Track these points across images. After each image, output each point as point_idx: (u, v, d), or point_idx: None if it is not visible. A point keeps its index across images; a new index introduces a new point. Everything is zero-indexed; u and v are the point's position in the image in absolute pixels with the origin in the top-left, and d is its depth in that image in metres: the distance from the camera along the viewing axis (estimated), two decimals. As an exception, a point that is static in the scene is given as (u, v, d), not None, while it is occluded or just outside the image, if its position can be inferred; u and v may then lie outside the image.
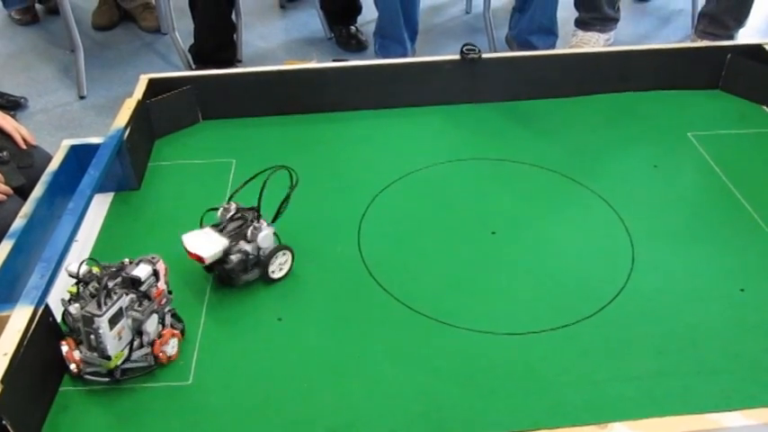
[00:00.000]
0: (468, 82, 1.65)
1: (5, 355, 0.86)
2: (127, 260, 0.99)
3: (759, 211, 1.30)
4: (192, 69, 2.33)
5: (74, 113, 2.15)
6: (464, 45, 1.62)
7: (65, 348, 0.96)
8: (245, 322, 1.09)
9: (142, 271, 0.97)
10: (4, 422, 0.83)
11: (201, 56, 2.40)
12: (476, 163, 1.48)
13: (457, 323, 1.08)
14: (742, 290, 1.13)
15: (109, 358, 0.93)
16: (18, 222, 1.14)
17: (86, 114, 2.15)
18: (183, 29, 2.44)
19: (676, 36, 2.61)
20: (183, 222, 1.27)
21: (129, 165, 1.36)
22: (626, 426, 0.82)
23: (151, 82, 1.55)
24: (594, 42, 2.43)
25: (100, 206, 1.34)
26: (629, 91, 1.70)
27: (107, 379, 0.97)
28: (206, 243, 1.10)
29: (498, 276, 1.17)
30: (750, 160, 1.46)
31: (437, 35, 2.31)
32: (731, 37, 2.36)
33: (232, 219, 1.14)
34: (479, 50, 1.61)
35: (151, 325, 0.98)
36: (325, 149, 1.53)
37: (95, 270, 0.97)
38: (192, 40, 2.41)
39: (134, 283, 0.96)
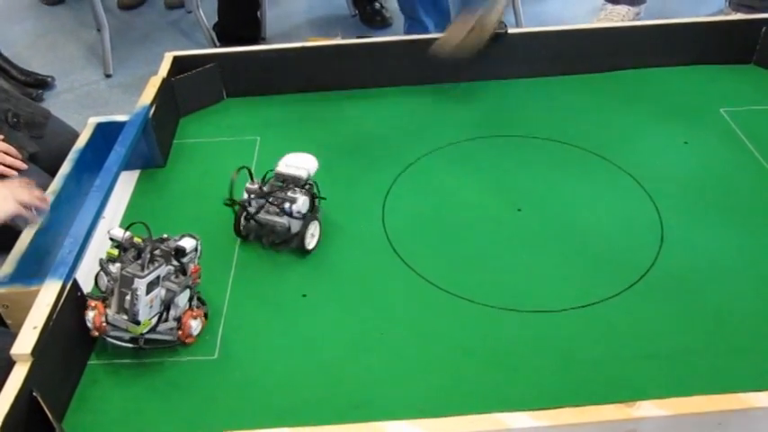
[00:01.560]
0: (493, 57, 1.62)
1: (35, 328, 0.88)
2: (166, 235, 1.00)
3: (792, 189, 1.27)
4: (216, 47, 2.33)
5: (100, 92, 2.17)
6: (490, 20, 1.59)
7: (91, 313, 0.96)
8: (270, 298, 1.10)
9: (188, 242, 0.98)
10: (34, 394, 0.84)
11: (226, 33, 2.40)
12: (501, 140, 1.46)
13: (481, 300, 1.07)
14: (774, 268, 1.11)
15: (138, 323, 0.94)
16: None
17: (112, 93, 2.16)
18: (207, 7, 2.44)
19: (710, 10, 2.54)
20: (209, 200, 1.28)
21: (154, 142, 1.36)
22: (653, 404, 0.81)
23: (176, 60, 1.55)
24: (624, 16, 2.37)
25: (126, 183, 1.35)
26: (660, 66, 1.66)
27: (129, 345, 0.97)
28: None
29: (524, 253, 1.16)
30: (783, 136, 1.42)
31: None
32: (767, 9, 2.29)
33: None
34: (506, 26, 1.59)
35: (182, 299, 0.99)
36: (350, 127, 1.52)
37: (137, 239, 0.98)
38: (216, 18, 2.41)
39: (177, 254, 0.97)
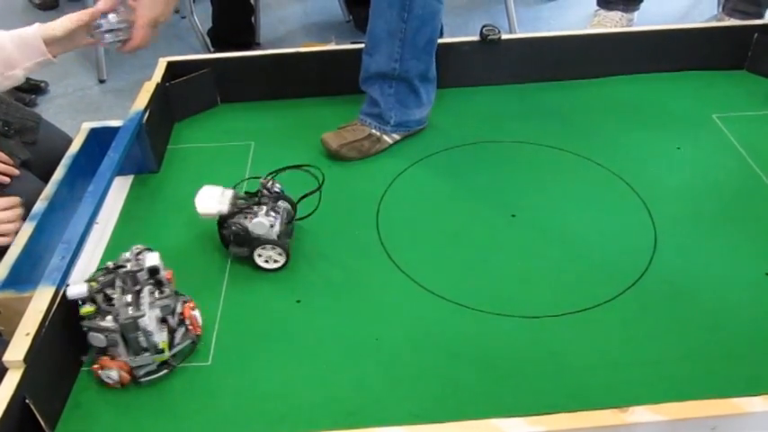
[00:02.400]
0: (487, 64, 1.63)
1: (28, 335, 0.87)
2: (111, 263, 0.99)
3: (785, 194, 1.28)
4: (210, 52, 2.33)
5: (93, 97, 2.16)
6: (484, 26, 1.60)
7: (113, 372, 0.94)
8: (264, 304, 1.09)
9: (154, 259, 0.98)
10: (27, 400, 0.84)
11: (220, 39, 2.40)
12: (495, 146, 1.46)
13: (476, 306, 1.07)
14: (767, 274, 1.11)
15: (162, 351, 0.94)
16: (40, 205, 1.15)
17: (106, 98, 2.15)
18: (201, 12, 2.44)
19: (704, 16, 2.55)
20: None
21: (148, 147, 1.36)
22: (647, 409, 0.81)
23: (170, 65, 1.55)
24: (617, 22, 2.38)
25: (120, 189, 1.35)
26: (653, 72, 1.67)
27: (165, 371, 0.97)
28: (210, 200, 1.14)
29: (518, 259, 1.16)
30: (776, 142, 1.43)
31: (455, 15, 2.28)
32: (761, 15, 2.31)
33: (258, 194, 1.16)
34: (499, 31, 1.59)
35: (177, 304, 0.99)
36: (344, 132, 1.52)
37: (93, 284, 0.96)
38: (210, 24, 2.41)
39: (152, 273, 0.97)
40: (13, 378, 0.84)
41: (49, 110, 2.08)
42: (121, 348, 0.94)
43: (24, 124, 1.31)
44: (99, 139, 1.35)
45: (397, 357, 1.00)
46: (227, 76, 1.60)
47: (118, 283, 0.96)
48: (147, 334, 0.93)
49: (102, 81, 2.24)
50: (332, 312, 1.07)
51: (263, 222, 1.10)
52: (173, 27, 2.64)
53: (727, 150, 1.41)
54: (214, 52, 2.25)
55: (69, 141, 1.35)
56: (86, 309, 0.94)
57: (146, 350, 0.94)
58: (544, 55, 1.64)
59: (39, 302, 0.92)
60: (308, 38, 2.47)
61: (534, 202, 1.29)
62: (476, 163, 1.41)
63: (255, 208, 1.13)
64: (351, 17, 2.58)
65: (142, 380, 0.96)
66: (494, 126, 1.51)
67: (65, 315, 0.95)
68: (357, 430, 0.83)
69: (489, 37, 1.58)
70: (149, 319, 0.92)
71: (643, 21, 2.38)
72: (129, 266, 0.97)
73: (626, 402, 0.83)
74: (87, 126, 1.38)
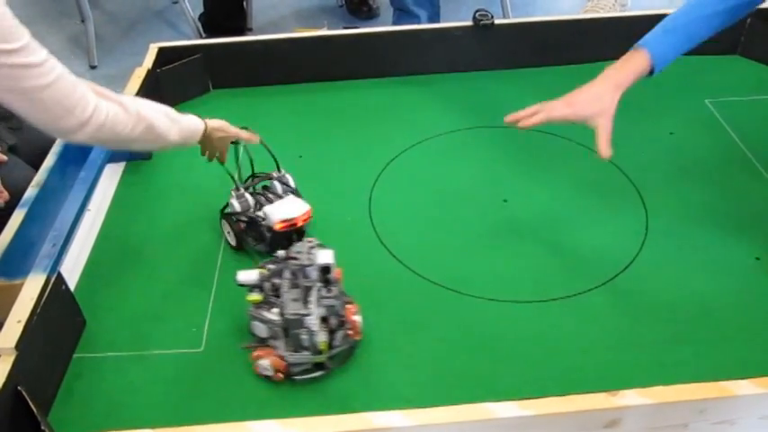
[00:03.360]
0: (480, 49, 1.62)
1: (19, 322, 0.87)
2: (283, 252, 0.97)
3: (776, 179, 1.28)
4: (202, 38, 2.32)
5: (85, 84, 2.15)
6: (477, 11, 1.59)
7: (267, 361, 0.92)
8: (257, 290, 1.09)
9: (328, 257, 0.95)
10: (19, 388, 0.84)
11: (211, 24, 2.39)
12: (487, 131, 1.46)
13: (468, 291, 1.08)
14: (757, 258, 1.12)
15: (320, 352, 0.92)
16: (30, 192, 1.14)
17: (97, 84, 2.15)
18: (192, -3, 2.43)
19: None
20: (194, 192, 1.28)
21: (139, 134, 1.35)
22: (637, 393, 0.82)
23: (161, 51, 1.54)
24: (611, 7, 2.38)
25: (112, 176, 1.34)
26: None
27: (320, 372, 0.94)
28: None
29: (510, 244, 1.17)
30: (768, 127, 1.43)
31: (448, 0, 2.27)
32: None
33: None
34: (492, 16, 1.59)
35: (341, 306, 0.96)
36: (336, 118, 1.52)
37: (263, 271, 0.95)
38: (201, 9, 2.40)
39: (323, 271, 0.95)
40: (4, 366, 0.84)
41: (40, 96, 2.07)
42: (281, 342, 0.93)
43: (10, 111, 1.30)
44: (90, 126, 1.34)
45: (389, 342, 1.00)
46: (219, 61, 1.59)
47: (286, 274, 0.94)
48: (311, 333, 0.90)
49: (93, 67, 2.23)
50: (324, 298, 1.08)
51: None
52: (164, 13, 2.62)
53: (719, 135, 1.41)
54: (206, 38, 2.23)
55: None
56: (254, 296, 0.94)
57: (306, 349, 0.92)
58: (537, 40, 1.64)
59: (30, 290, 0.92)
60: (300, 23, 2.46)
61: (526, 188, 1.29)
62: (468, 148, 1.41)
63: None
64: (343, 2, 2.57)
65: (297, 377, 0.93)
66: (486, 111, 1.51)
67: (57, 302, 0.95)
68: (349, 414, 0.83)
69: (482, 22, 1.58)
70: (315, 318, 0.90)
71: (636, 5, 2.37)
72: (301, 259, 0.94)
73: (616, 386, 0.84)
74: (78, 113, 1.37)
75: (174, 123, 1.01)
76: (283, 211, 1.11)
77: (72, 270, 1.12)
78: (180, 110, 1.52)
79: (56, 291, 0.95)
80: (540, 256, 1.14)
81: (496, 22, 1.59)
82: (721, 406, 0.84)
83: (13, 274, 0.99)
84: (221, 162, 1.16)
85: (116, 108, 0.90)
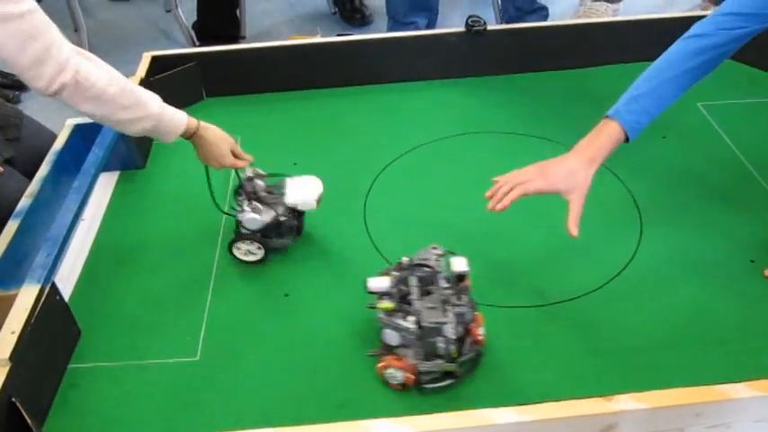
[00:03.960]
0: (473, 54, 1.63)
1: (13, 333, 0.87)
2: (406, 259, 0.96)
3: (769, 182, 1.29)
4: (195, 46, 2.32)
5: (79, 93, 2.14)
6: (469, 17, 1.59)
7: (397, 371, 0.91)
8: (252, 298, 1.09)
9: (463, 265, 0.94)
10: (13, 399, 0.83)
11: (205, 32, 2.38)
12: (482, 136, 1.46)
13: (463, 297, 1.07)
14: (752, 261, 1.12)
15: (454, 360, 0.90)
16: (24, 202, 1.14)
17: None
18: (186, 6, 2.42)
19: (689, 6, 2.56)
20: (189, 200, 1.28)
21: (133, 143, 1.35)
22: (632, 397, 0.82)
23: (154, 59, 1.54)
24: (603, 12, 2.39)
25: (106, 185, 1.34)
26: (639, 61, 1.67)
27: (449, 381, 0.92)
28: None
29: (505, 250, 1.17)
30: (761, 130, 1.43)
31: (441, 6, 2.28)
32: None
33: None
34: (485, 22, 1.59)
35: (471, 314, 0.94)
36: (331, 125, 1.52)
37: (390, 278, 0.94)
38: (194, 18, 2.39)
39: (458, 279, 0.94)
40: (-2, 377, 0.84)
41: (34, 106, 2.06)
42: (412, 351, 0.91)
43: (7, 121, 1.29)
44: (83, 135, 1.34)
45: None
46: (213, 70, 1.59)
47: (413, 281, 0.93)
48: (448, 341, 0.89)
49: (86, 76, 2.22)
50: (320, 305, 1.08)
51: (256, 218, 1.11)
52: (157, 22, 2.62)
53: (712, 139, 1.42)
54: (200, 46, 2.23)
55: (54, 138, 1.34)
56: (385, 304, 0.91)
57: (440, 357, 0.90)
58: (530, 45, 1.64)
59: (24, 300, 0.92)
60: (294, 30, 2.46)
61: (521, 193, 1.29)
62: (462, 154, 1.41)
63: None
64: (336, 9, 2.57)
65: (426, 386, 0.92)
66: (480, 117, 1.51)
67: (51, 313, 0.95)
68: (347, 422, 0.83)
69: (475, 28, 1.58)
70: (452, 326, 0.89)
71: (628, 10, 2.38)
72: (431, 266, 0.94)
73: (612, 390, 0.84)
74: (72, 122, 1.37)
75: (155, 99, 1.03)
76: (306, 191, 1.13)
77: (67, 280, 1.12)
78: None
79: (50, 301, 0.95)
80: (536, 262, 1.14)
81: (489, 28, 1.59)
82: (717, 410, 0.84)
83: (7, 284, 0.99)
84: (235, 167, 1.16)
85: (95, 60, 0.95)
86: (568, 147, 1.40)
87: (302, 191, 1.13)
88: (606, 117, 1.03)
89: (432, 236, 1.19)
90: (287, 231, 1.15)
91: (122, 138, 1.31)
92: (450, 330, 0.88)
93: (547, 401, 0.82)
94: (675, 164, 1.35)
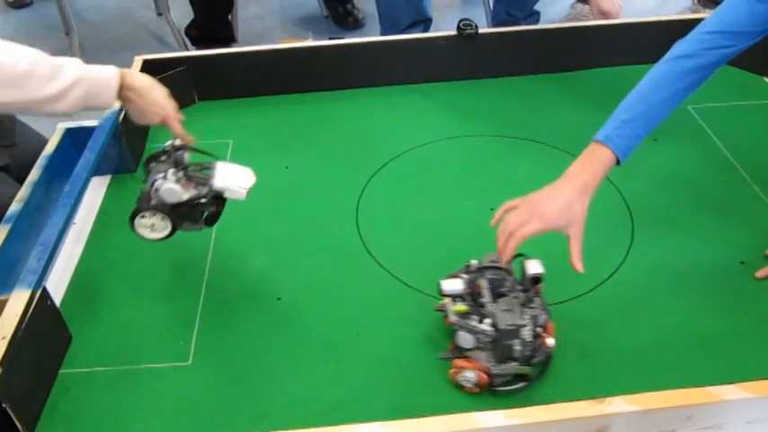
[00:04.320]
0: (464, 58, 1.63)
1: (4, 338, 0.86)
2: (475, 262, 0.97)
3: (760, 184, 1.29)
4: (187, 50, 2.31)
5: (70, 97, 2.14)
6: (461, 20, 1.60)
7: (471, 373, 0.90)
8: (244, 302, 1.09)
9: (538, 267, 0.94)
10: (3, 405, 0.83)
11: (199, 36, 2.38)
12: (474, 140, 1.46)
13: (456, 300, 1.08)
14: (742, 262, 1.13)
15: (529, 362, 0.90)
16: (15, 207, 1.14)
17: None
18: (178, 11, 2.42)
19: (679, 8, 2.58)
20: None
21: (125, 147, 1.35)
22: (624, 400, 0.82)
23: (146, 63, 1.54)
24: (593, 15, 2.40)
25: (97, 189, 1.34)
26: (629, 64, 1.68)
27: (521, 384, 0.92)
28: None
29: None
30: (751, 132, 1.44)
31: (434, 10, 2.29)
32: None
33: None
34: (476, 26, 1.60)
35: (542, 316, 0.93)
36: (323, 128, 1.52)
37: (460, 281, 0.94)
38: (186, 21, 2.39)
39: (534, 281, 0.94)
40: (-11, 383, 0.83)
41: (25, 110, 2.05)
42: (485, 353, 0.91)
43: (2, 127, 1.29)
44: (75, 140, 1.34)
45: (378, 352, 1.00)
46: (204, 73, 1.59)
47: (484, 283, 0.93)
48: (524, 344, 0.89)
49: (78, 80, 2.22)
50: (312, 309, 1.07)
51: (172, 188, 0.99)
52: (149, 25, 2.62)
53: (703, 141, 1.43)
54: (196, 50, 2.23)
55: (45, 142, 1.33)
56: (460, 307, 0.91)
57: (515, 360, 0.90)
58: (521, 49, 1.65)
59: (15, 305, 0.91)
60: (286, 34, 2.46)
61: (512, 196, 1.29)
62: (454, 157, 1.41)
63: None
64: (328, 12, 2.57)
65: (499, 388, 0.92)
66: (471, 120, 1.52)
67: (42, 318, 0.94)
68: (339, 426, 0.83)
69: (466, 31, 1.59)
70: (529, 329, 0.88)
71: (628, 9, 2.39)
72: (505, 268, 0.95)
73: (604, 393, 0.84)
74: (62, 126, 1.36)
75: (74, 60, 0.91)
76: (238, 178, 1.02)
77: (58, 285, 1.12)
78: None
79: (41, 306, 0.94)
80: (527, 264, 1.14)
81: (480, 31, 1.60)
82: (708, 411, 0.85)
83: (-2, 289, 0.98)
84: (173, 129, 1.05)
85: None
86: (561, 150, 1.41)
87: (233, 178, 1.02)
88: (596, 142, 1.00)
89: (423, 239, 1.20)
90: (200, 218, 1.04)
91: (114, 141, 1.31)
92: (528, 333, 0.88)
93: (537, 405, 0.83)
94: (667, 167, 1.36)
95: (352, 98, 1.61)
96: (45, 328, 0.96)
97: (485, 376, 0.90)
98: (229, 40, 2.42)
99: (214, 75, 1.59)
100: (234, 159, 1.38)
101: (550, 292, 1.08)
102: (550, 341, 0.93)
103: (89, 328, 1.05)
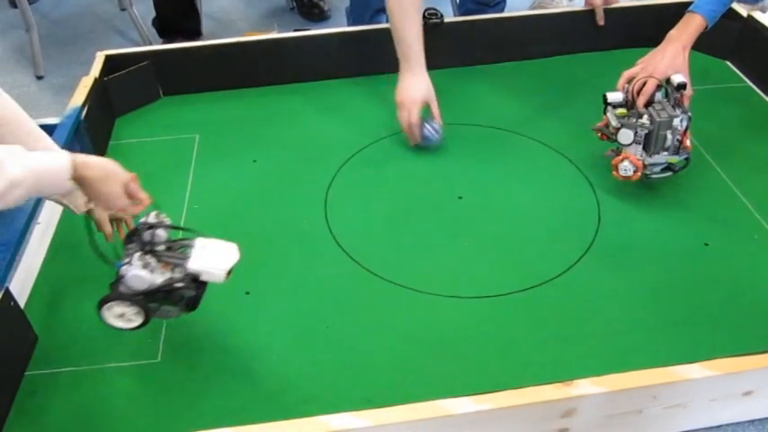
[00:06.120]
0: (431, 47, 1.62)
1: (-34, 341, 0.85)
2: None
3: (723, 167, 1.32)
4: (151, 45, 2.28)
5: (31, 94, 2.09)
6: (426, 10, 1.60)
7: (628, 163, 1.16)
8: (213, 297, 1.07)
9: (682, 77, 1.22)
10: (-33, 409, 0.82)
11: (166, 28, 2.34)
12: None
13: (425, 289, 1.08)
14: (706, 244, 1.15)
15: (677, 152, 1.18)
16: (-25, 207, 1.11)
17: (44, 95, 2.09)
18: (140, 5, 2.38)
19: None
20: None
21: (88, 144, 1.33)
22: (590, 382, 0.83)
23: (108, 59, 1.52)
24: (557, 2, 2.41)
25: (61, 187, 1.31)
26: (595, 50, 1.70)
27: (668, 173, 1.19)
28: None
29: (465, 240, 1.18)
30: (714, 116, 1.47)
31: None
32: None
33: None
34: (441, 15, 1.60)
35: (685, 119, 1.17)
36: (289, 121, 1.51)
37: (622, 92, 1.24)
38: (151, 16, 2.36)
39: (678, 88, 1.19)
40: (-48, 386, 0.82)
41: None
42: (640, 148, 1.16)
43: None
44: (36, 138, 1.31)
45: (348, 344, 1.00)
46: (168, 68, 1.57)
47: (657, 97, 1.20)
48: (675, 133, 1.14)
49: (39, 78, 2.17)
50: (281, 302, 1.07)
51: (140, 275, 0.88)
52: (112, 20, 2.57)
53: (666, 126, 1.44)
54: (163, 42, 2.20)
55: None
56: (621, 111, 1.20)
57: (665, 150, 1.16)
58: (487, 37, 1.65)
59: (-24, 307, 0.90)
60: (251, 27, 2.43)
61: (480, 184, 1.31)
62: (421, 147, 1.41)
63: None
64: (294, 4, 2.55)
65: (653, 176, 1.18)
66: (440, 109, 1.51)
67: (5, 318, 0.93)
68: (310, 418, 0.83)
69: (431, 20, 1.58)
70: (680, 119, 1.14)
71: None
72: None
73: (571, 376, 0.85)
74: (24, 124, 1.34)
75: (16, 149, 0.79)
76: (216, 259, 0.90)
77: (23, 285, 1.10)
78: (130, 118, 1.50)
79: (4, 307, 0.93)
80: (496, 252, 1.15)
81: (446, 20, 1.60)
82: (673, 390, 0.86)
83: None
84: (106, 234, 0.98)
85: None
86: (528, 137, 1.42)
87: (211, 257, 0.90)
88: (689, 11, 1.29)
89: (393, 229, 1.21)
90: (179, 301, 0.92)
91: (77, 139, 1.29)
92: (679, 123, 1.13)
93: (506, 389, 0.83)
94: (631, 151, 1.37)
95: (317, 90, 1.60)
96: (9, 329, 0.94)
97: (640, 163, 1.15)
98: (199, 29, 2.39)
99: (178, 69, 1.58)
100: (200, 154, 1.37)
101: (520, 279, 1.09)
102: (688, 142, 1.18)
103: (55, 328, 1.03)
